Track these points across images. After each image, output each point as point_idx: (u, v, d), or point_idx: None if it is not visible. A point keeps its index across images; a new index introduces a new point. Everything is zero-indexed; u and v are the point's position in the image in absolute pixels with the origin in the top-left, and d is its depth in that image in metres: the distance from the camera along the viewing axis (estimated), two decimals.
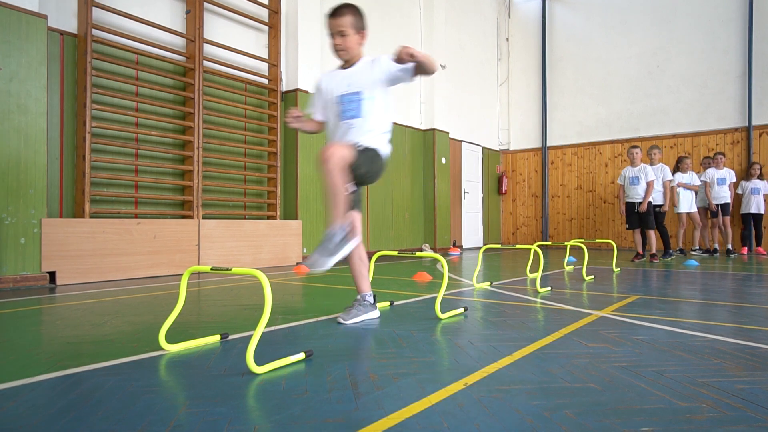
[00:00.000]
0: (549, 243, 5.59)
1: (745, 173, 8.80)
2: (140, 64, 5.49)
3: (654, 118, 10.22)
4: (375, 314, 2.85)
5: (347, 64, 2.73)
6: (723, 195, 8.24)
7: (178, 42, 5.92)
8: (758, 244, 8.67)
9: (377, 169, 2.67)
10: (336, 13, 2.60)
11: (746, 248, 8.63)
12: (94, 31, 5.04)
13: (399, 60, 2.40)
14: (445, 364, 1.90)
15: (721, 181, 8.26)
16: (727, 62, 9.46)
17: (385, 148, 2.70)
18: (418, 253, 3.11)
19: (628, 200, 7.15)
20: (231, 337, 2.35)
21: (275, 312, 3.00)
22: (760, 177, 8.52)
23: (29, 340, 2.34)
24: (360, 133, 2.63)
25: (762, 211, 8.49)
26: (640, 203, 6.94)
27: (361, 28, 2.66)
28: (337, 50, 2.67)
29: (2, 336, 2.42)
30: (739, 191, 8.67)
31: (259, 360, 1.87)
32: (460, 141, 10.77)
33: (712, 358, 1.96)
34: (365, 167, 2.57)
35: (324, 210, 7.25)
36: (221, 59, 6.30)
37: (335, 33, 2.62)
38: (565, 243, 5.61)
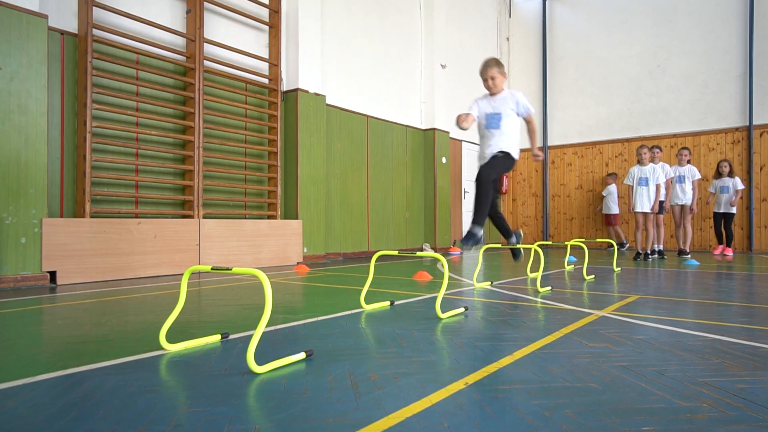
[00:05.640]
0: (549, 242, 5.57)
1: (715, 172, 8.46)
2: (141, 63, 5.49)
3: (655, 117, 10.21)
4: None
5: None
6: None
7: (179, 42, 5.92)
8: (727, 243, 8.29)
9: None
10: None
11: (720, 246, 8.35)
12: (95, 31, 5.04)
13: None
14: (445, 364, 1.90)
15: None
16: (727, 62, 9.46)
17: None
18: (419, 253, 3.11)
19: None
20: (231, 336, 2.35)
21: (276, 312, 3.00)
22: (731, 175, 8.15)
23: (30, 339, 2.35)
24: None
25: (731, 210, 8.13)
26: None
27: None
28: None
29: (3, 336, 2.42)
30: (711, 189, 8.41)
31: (260, 359, 1.87)
32: (461, 141, 10.76)
33: (712, 357, 1.96)
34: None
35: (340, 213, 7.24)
36: (222, 59, 6.30)
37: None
38: (566, 242, 5.61)
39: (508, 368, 1.83)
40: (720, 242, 8.44)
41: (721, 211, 8.21)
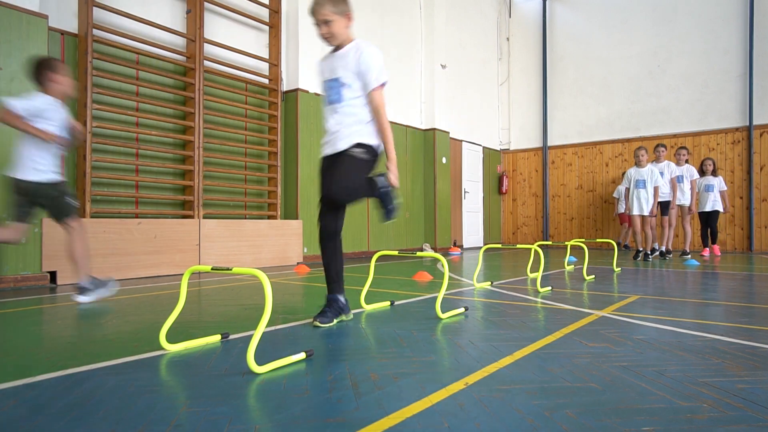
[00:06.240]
0: (549, 243, 5.58)
1: (698, 170, 8.14)
2: (141, 63, 5.49)
3: (655, 117, 10.21)
4: None
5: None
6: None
7: (179, 42, 5.92)
8: (713, 241, 8.17)
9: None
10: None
11: (706, 248, 8.20)
12: (95, 31, 5.04)
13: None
14: (445, 364, 1.90)
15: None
16: (727, 62, 9.46)
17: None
18: (419, 253, 3.11)
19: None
20: (232, 336, 2.35)
21: (276, 312, 3.00)
22: (714, 173, 8.00)
23: (30, 339, 2.35)
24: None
25: (716, 209, 7.95)
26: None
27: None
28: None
29: (2, 336, 2.42)
30: (696, 189, 8.14)
31: (260, 360, 1.87)
32: (461, 141, 10.76)
33: (712, 357, 1.96)
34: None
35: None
36: (222, 59, 6.30)
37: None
38: (566, 243, 5.61)
39: (508, 368, 1.82)
40: (706, 244, 8.21)
41: (707, 209, 8.03)
